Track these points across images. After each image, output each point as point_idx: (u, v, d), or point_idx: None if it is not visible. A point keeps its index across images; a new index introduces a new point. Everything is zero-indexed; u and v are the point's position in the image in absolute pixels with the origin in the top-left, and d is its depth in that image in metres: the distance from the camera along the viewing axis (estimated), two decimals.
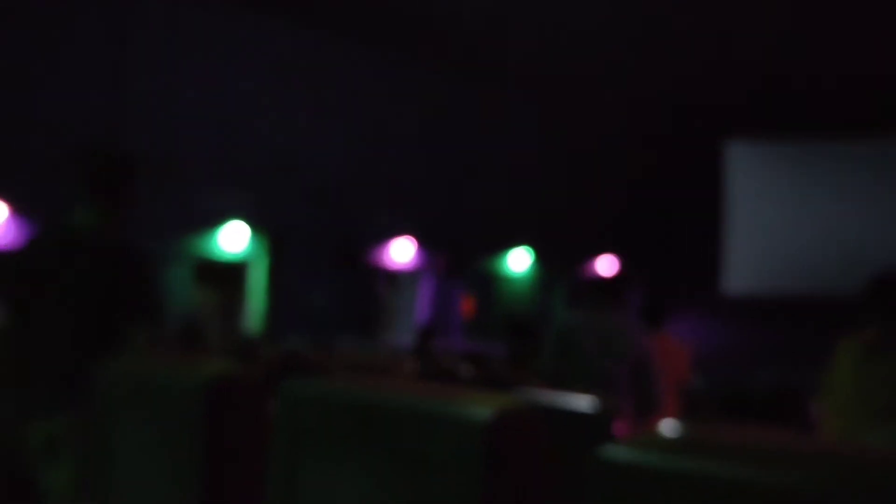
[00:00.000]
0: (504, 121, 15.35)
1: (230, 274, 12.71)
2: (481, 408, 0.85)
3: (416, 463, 0.88)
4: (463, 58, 14.41)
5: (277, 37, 12.43)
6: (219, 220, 11.74)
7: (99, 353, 2.30)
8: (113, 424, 1.48)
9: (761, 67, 14.25)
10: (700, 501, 0.64)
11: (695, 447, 0.69)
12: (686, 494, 0.65)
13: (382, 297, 14.02)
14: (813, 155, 17.23)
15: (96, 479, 1.49)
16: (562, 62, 14.56)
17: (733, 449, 0.67)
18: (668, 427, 1.88)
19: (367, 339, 11.96)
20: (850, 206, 16.65)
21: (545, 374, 4.02)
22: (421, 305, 14.71)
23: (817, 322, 14.12)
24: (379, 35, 13.21)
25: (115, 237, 2.50)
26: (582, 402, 1.98)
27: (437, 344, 12.35)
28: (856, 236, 16.43)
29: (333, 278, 12.95)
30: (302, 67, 12.76)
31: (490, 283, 15.75)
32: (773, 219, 17.46)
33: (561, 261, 16.90)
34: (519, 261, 16.30)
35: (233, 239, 11.88)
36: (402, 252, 14.12)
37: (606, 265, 18.21)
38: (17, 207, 10.06)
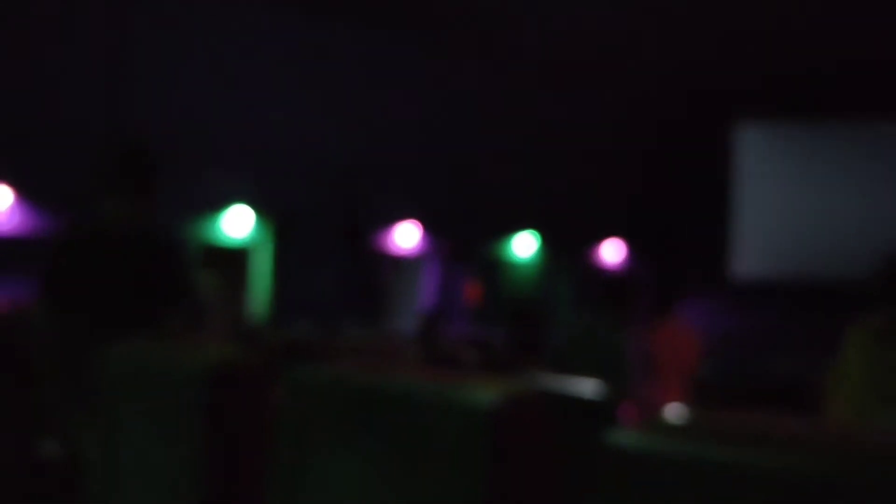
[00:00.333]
0: (510, 105, 15.29)
1: (234, 259, 12.74)
2: (486, 394, 0.85)
3: (420, 449, 0.89)
4: (468, 42, 14.34)
5: (282, 21, 12.38)
6: (223, 205, 11.76)
7: (138, 328, 2.38)
8: (117, 409, 1.49)
9: (770, 49, 14.15)
10: (706, 487, 0.64)
11: (701, 433, 0.68)
12: (692, 480, 0.65)
13: (387, 283, 14.03)
14: (824, 136, 17.11)
15: (102, 462, 1.50)
16: (568, 46, 14.47)
17: (740, 435, 0.67)
18: (674, 413, 1.88)
19: (372, 325, 11.99)
20: (862, 189, 16.56)
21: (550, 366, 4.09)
22: (426, 291, 14.73)
23: (828, 306, 14.10)
24: (383, 19, 13.15)
25: (147, 226, 2.58)
26: (586, 387, 1.98)
27: (441, 330, 12.38)
28: (867, 219, 16.35)
29: (338, 263, 12.97)
30: (306, 52, 12.72)
31: (495, 269, 15.74)
32: (782, 202, 17.38)
33: (568, 246, 16.87)
34: (525, 246, 16.28)
35: (237, 223, 11.90)
36: (406, 237, 14.12)
37: (614, 251, 18.19)
38: (22, 194, 10.09)
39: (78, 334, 2.44)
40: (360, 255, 13.18)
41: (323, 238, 12.75)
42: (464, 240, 14.50)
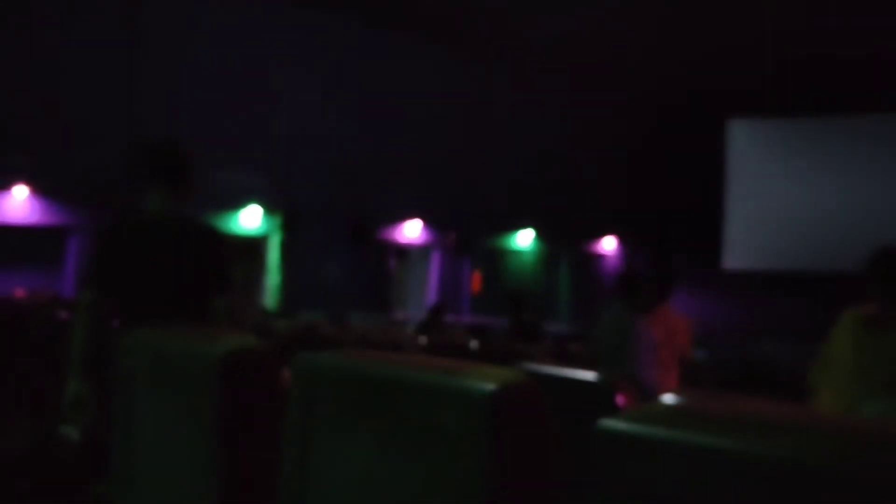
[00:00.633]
0: (512, 105, 15.27)
1: (247, 250, 12.77)
2: (486, 381, 0.85)
3: (423, 434, 0.89)
4: (472, 44, 14.30)
5: (292, 20, 12.36)
6: (236, 199, 11.77)
7: (187, 315, 2.41)
8: (133, 395, 1.49)
9: (759, 51, 14.10)
10: (701, 472, 0.64)
11: (696, 418, 0.68)
12: (687, 465, 0.65)
13: (394, 273, 14.05)
14: (812, 131, 17.07)
15: (119, 447, 1.50)
16: (567, 48, 14.43)
17: (734, 420, 0.67)
18: (669, 398, 1.88)
19: (379, 314, 12.01)
20: (848, 182, 16.53)
21: (587, 356, 4.32)
22: (431, 281, 14.74)
23: (816, 296, 14.09)
24: (392, 19, 13.11)
25: (188, 218, 2.62)
26: (585, 373, 1.98)
27: (446, 318, 12.39)
28: (854, 211, 16.33)
29: (347, 255, 12.98)
30: (317, 51, 12.70)
31: (497, 260, 15.75)
32: (772, 195, 17.36)
33: (565, 238, 16.87)
34: (525, 238, 16.28)
35: (249, 216, 11.91)
36: (412, 230, 14.13)
37: (609, 243, 18.18)
38: (40, 189, 10.10)
39: (126, 320, 2.44)
40: (368, 247, 13.19)
41: (333, 230, 12.76)
42: (466, 232, 14.51)
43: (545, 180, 15.67)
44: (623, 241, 18.28)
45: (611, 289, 4.14)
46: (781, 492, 0.58)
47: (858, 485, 0.56)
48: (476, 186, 14.59)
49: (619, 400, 1.92)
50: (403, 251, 14.64)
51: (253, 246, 12.68)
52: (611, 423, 0.70)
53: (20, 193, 10.20)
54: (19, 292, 8.70)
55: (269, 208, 12.05)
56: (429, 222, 14.23)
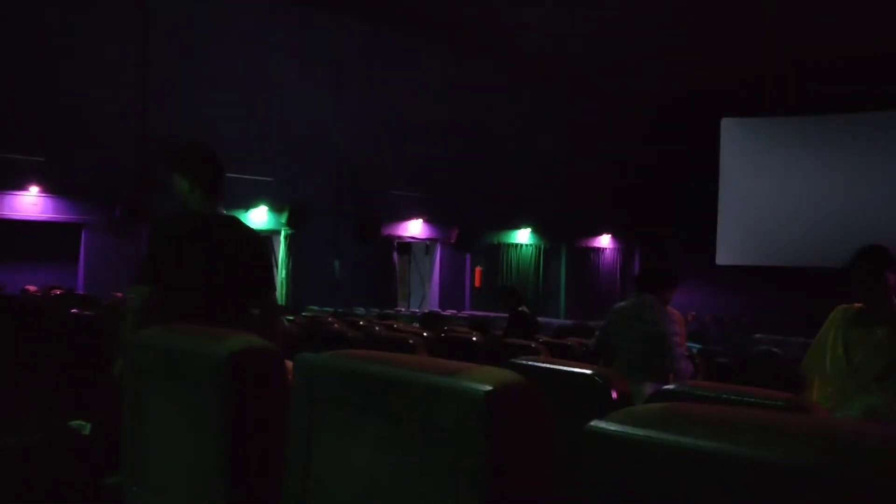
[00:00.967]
0: (512, 105, 15.24)
1: None
2: (483, 381, 0.85)
3: (422, 433, 0.89)
4: (474, 44, 14.27)
5: (299, 23, 12.34)
6: (245, 197, 11.77)
7: (240, 320, 2.44)
8: (142, 392, 1.49)
9: (751, 51, 14.07)
10: (690, 473, 0.64)
11: (685, 420, 0.68)
12: (677, 466, 0.65)
13: (397, 269, 14.06)
14: (803, 129, 17.05)
15: (129, 442, 1.50)
16: (566, 50, 14.40)
17: (723, 422, 0.67)
18: (665, 392, 1.87)
19: (384, 308, 12.02)
20: (839, 178, 16.51)
21: (593, 346, 4.37)
22: (434, 276, 14.74)
23: (807, 290, 14.05)
24: (397, 22, 13.09)
25: (234, 217, 2.68)
26: (580, 368, 1.98)
27: (448, 312, 12.39)
28: (844, 206, 16.31)
29: (352, 251, 12.99)
30: (324, 53, 12.69)
31: (497, 255, 15.75)
32: (764, 192, 17.34)
33: (563, 234, 16.86)
34: (524, 234, 16.27)
35: (257, 212, 11.91)
36: (416, 227, 14.13)
37: (606, 239, 18.14)
38: (51, 187, 10.11)
39: (179, 315, 2.45)
40: (373, 243, 13.19)
41: (338, 227, 12.77)
42: (468, 229, 14.50)
43: (544, 178, 15.67)
44: (618, 238, 18.28)
45: (640, 281, 4.22)
46: (769, 494, 0.58)
47: (846, 488, 0.56)
48: (477, 184, 14.59)
49: (614, 394, 1.91)
50: (407, 247, 14.64)
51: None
52: (601, 425, 0.70)
53: (34, 191, 10.22)
54: (32, 288, 8.71)
55: (276, 206, 12.05)
56: (431, 219, 14.24)
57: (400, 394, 0.92)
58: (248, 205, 11.81)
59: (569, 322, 11.96)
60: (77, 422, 2.68)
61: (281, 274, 12.16)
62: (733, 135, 17.91)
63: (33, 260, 10.48)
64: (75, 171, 10.19)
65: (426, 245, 14.76)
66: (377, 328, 5.52)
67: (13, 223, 10.05)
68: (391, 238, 13.75)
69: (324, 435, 1.03)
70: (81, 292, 9.63)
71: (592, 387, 1.89)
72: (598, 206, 17.17)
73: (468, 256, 15.07)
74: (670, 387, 1.93)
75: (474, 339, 4.77)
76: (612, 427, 0.68)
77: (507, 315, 6.94)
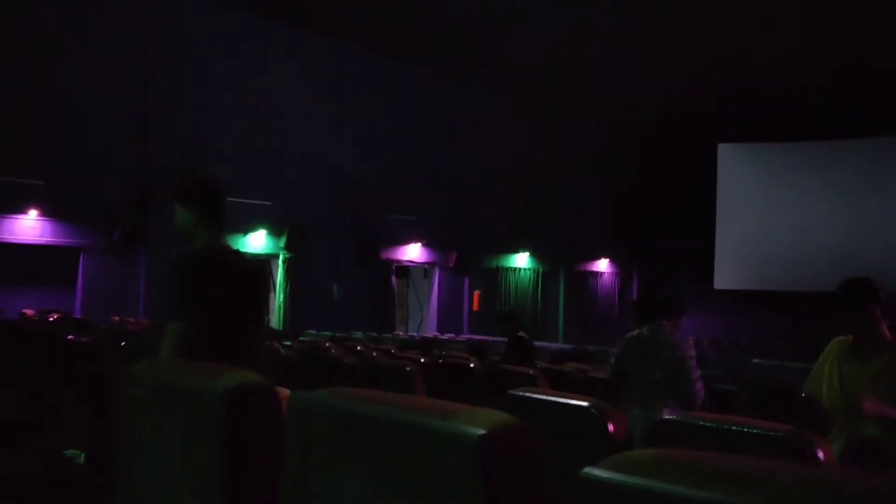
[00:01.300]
0: (511, 130, 15.33)
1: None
2: (477, 424, 0.85)
3: (416, 475, 0.89)
4: (476, 72, 14.40)
5: (299, 47, 12.44)
6: (245, 222, 11.79)
7: (254, 346, 2.47)
8: (139, 425, 1.49)
9: (747, 79, 14.20)
10: None
11: (677, 468, 0.68)
12: None
13: (396, 292, 14.04)
14: (798, 156, 17.15)
15: (125, 476, 1.50)
16: (565, 76, 14.53)
17: (714, 471, 0.67)
18: (670, 423, 1.86)
19: (382, 332, 12.00)
20: (835, 203, 16.58)
21: (610, 373, 4.44)
22: (432, 300, 14.73)
23: (804, 315, 14.03)
24: (397, 48, 13.21)
25: (238, 250, 2.72)
26: (578, 401, 1.98)
27: (446, 335, 12.36)
28: (839, 232, 16.36)
29: (351, 275, 12.99)
30: (322, 78, 12.78)
31: (496, 279, 15.75)
32: (760, 217, 17.39)
33: (562, 258, 16.88)
34: (522, 258, 16.29)
35: (256, 236, 11.92)
36: (414, 250, 14.14)
37: (605, 263, 18.16)
38: (50, 210, 10.12)
39: (207, 349, 2.45)
40: (371, 266, 13.19)
41: (337, 252, 12.77)
42: (466, 253, 14.52)
43: (542, 203, 15.71)
44: (616, 262, 18.30)
45: (651, 309, 4.36)
46: None
47: None
48: (476, 208, 14.63)
49: (611, 427, 1.91)
50: (405, 271, 14.64)
51: (261, 264, 12.68)
52: (595, 472, 0.70)
53: (33, 215, 10.23)
54: (29, 311, 8.68)
55: (275, 230, 12.07)
56: (430, 243, 14.25)
57: (395, 436, 0.92)
58: (247, 229, 11.82)
59: (567, 346, 11.93)
60: (72, 451, 2.67)
61: (279, 298, 12.14)
62: (730, 160, 18.00)
63: (31, 283, 10.46)
64: (75, 195, 10.21)
65: (424, 269, 14.76)
66: (374, 354, 5.51)
67: (12, 246, 10.06)
68: (390, 262, 13.75)
69: (318, 474, 1.03)
70: (79, 316, 9.61)
71: (590, 420, 1.89)
72: (596, 230, 17.21)
73: (466, 280, 15.07)
74: (674, 417, 1.94)
75: (472, 365, 4.76)
76: (606, 475, 0.69)
77: (505, 339, 6.93)
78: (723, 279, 17.76)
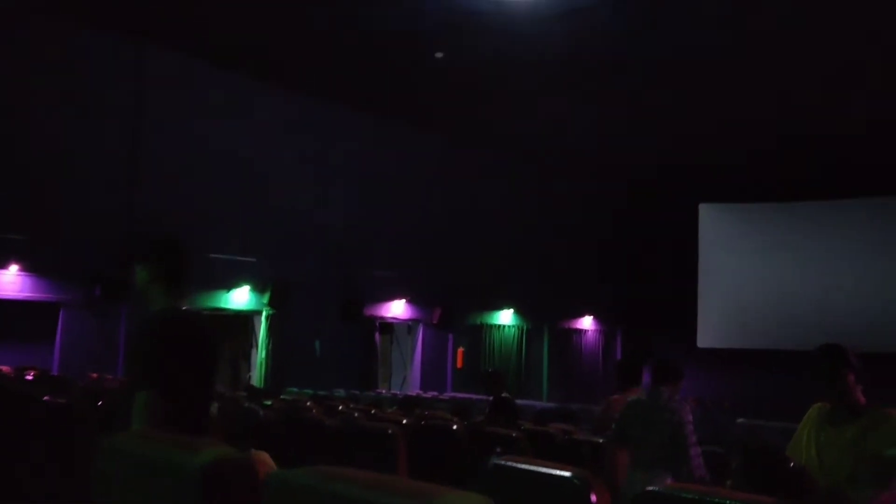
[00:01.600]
0: (494, 189, 15.51)
1: (237, 324, 12.64)
2: None
3: None
4: (458, 131, 14.63)
5: (286, 106, 12.58)
6: (229, 277, 11.73)
7: (206, 410, 2.41)
8: (113, 498, 1.46)
9: (729, 140, 14.52)
10: None
11: None
12: None
13: (379, 349, 13.92)
14: (777, 216, 17.42)
15: None
16: (548, 137, 14.80)
17: None
18: (654, 494, 1.84)
19: (365, 390, 11.85)
20: (814, 263, 16.79)
21: (611, 439, 4.48)
22: (415, 357, 14.60)
23: (787, 374, 14.05)
24: (380, 106, 13.41)
25: (196, 312, 2.67)
26: (560, 471, 1.96)
27: (429, 394, 12.23)
28: (819, 291, 16.53)
29: (335, 331, 12.87)
30: (308, 135, 12.90)
31: (480, 336, 15.68)
32: (741, 276, 17.55)
33: (545, 315, 16.87)
34: (507, 315, 16.26)
35: (240, 292, 11.84)
36: (399, 306, 14.08)
37: (588, 321, 18.17)
38: (31, 266, 10.04)
39: (173, 414, 2.39)
40: (355, 323, 13.10)
41: (320, 308, 12.69)
42: (450, 309, 14.48)
43: (526, 260, 15.79)
44: (600, 319, 18.31)
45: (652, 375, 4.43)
46: None
47: None
48: (461, 265, 14.66)
49: (594, 497, 1.89)
50: (389, 327, 14.55)
51: (242, 321, 12.57)
52: None
53: (13, 270, 10.13)
54: (5, 368, 8.51)
55: (259, 286, 12.01)
56: (414, 299, 14.22)
57: None
58: (231, 285, 11.75)
59: (551, 405, 11.83)
60: None
61: (261, 354, 12.00)
62: (711, 220, 18.24)
63: (9, 339, 10.29)
64: (57, 250, 10.14)
65: (408, 325, 14.69)
66: (356, 414, 5.44)
67: None
68: (374, 318, 13.68)
69: None
70: (56, 373, 9.44)
71: (573, 490, 1.87)
72: (580, 287, 17.27)
73: (450, 337, 14.99)
74: (656, 489, 1.92)
75: (454, 427, 4.70)
76: None
77: (489, 398, 6.88)
78: (706, 338, 17.79)
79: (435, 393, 12.52)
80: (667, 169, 16.38)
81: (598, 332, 18.44)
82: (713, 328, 17.74)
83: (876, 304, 15.75)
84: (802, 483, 2.64)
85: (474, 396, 11.27)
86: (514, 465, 2.03)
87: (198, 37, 10.65)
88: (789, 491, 2.51)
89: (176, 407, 2.36)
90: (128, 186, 10.76)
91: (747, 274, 17.46)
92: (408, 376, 14.43)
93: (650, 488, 2.03)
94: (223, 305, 11.74)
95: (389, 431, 4.06)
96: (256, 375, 12.01)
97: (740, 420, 10.09)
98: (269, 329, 11.99)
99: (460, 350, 15.09)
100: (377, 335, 13.76)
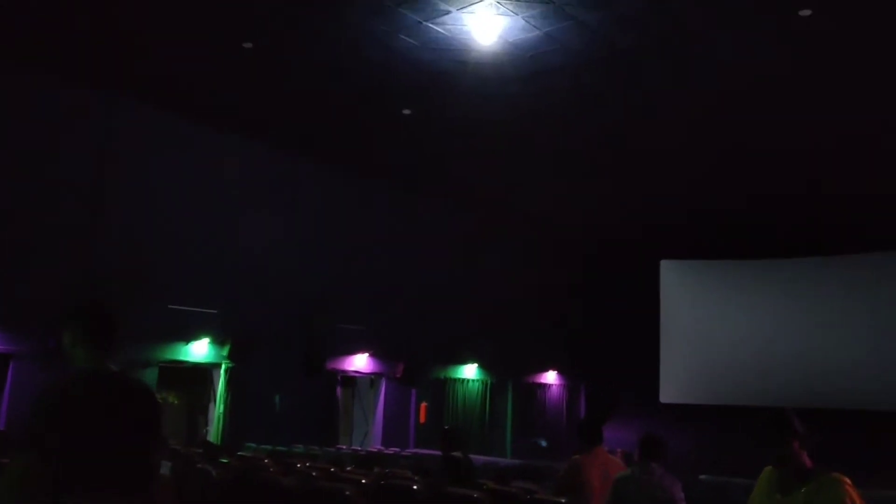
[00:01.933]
0: (459, 245, 15.60)
1: (196, 378, 12.34)
2: None
3: None
4: (423, 188, 14.76)
5: (249, 158, 12.56)
6: (189, 330, 11.49)
7: (133, 479, 2.31)
8: None
9: (689, 199, 14.86)
10: None
11: None
12: None
13: (341, 403, 13.68)
14: (739, 272, 17.76)
15: None
16: (511, 196, 15.01)
17: None
18: None
19: (325, 446, 11.59)
20: (776, 320, 17.07)
21: None
22: (378, 412, 14.37)
23: (750, 430, 14.10)
24: (343, 161, 13.49)
25: (122, 373, 2.60)
26: None
27: (391, 449, 12.01)
28: (779, 347, 16.77)
29: (296, 385, 12.63)
30: (274, 188, 12.87)
31: (443, 391, 15.52)
32: (703, 332, 17.76)
33: (509, 370, 16.81)
34: (470, 369, 16.16)
35: (199, 345, 11.60)
36: (361, 360, 13.91)
37: (552, 377, 18.16)
38: None
39: (69, 485, 2.29)
40: (316, 377, 12.88)
41: (282, 361, 12.47)
42: (413, 364, 14.35)
43: (490, 314, 15.79)
44: (564, 374, 18.30)
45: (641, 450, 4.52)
46: None
47: None
48: (424, 319, 14.59)
49: None
50: (351, 381, 14.35)
51: (201, 374, 12.28)
52: None
53: None
54: None
55: (219, 338, 11.79)
56: (377, 353, 14.07)
57: None
58: (191, 337, 11.52)
59: (514, 462, 11.70)
60: None
61: (219, 408, 11.70)
62: (672, 276, 18.52)
63: None
64: (11, 301, 9.86)
65: (371, 379, 14.50)
66: (314, 473, 5.31)
67: None
68: (336, 372, 13.49)
69: None
70: (2, 428, 9.09)
71: None
72: (544, 342, 17.30)
73: (413, 391, 14.82)
74: None
75: (415, 487, 4.62)
76: None
77: (441, 459, 6.76)
78: (668, 393, 17.87)
79: (397, 449, 12.30)
80: (629, 226, 16.67)
81: (562, 386, 18.41)
82: (675, 383, 17.84)
83: (837, 360, 16.03)
84: None
85: (437, 453, 11.08)
86: None
87: (163, 88, 10.66)
88: None
89: (72, 469, 2.28)
90: (87, 236, 10.57)
91: (709, 330, 17.68)
92: (369, 431, 14.18)
93: None
94: (182, 358, 11.48)
95: (347, 493, 3.98)
96: (214, 430, 11.69)
97: (703, 476, 10.07)
98: (229, 382, 11.73)
99: (423, 405, 14.91)
100: (339, 389, 13.55)
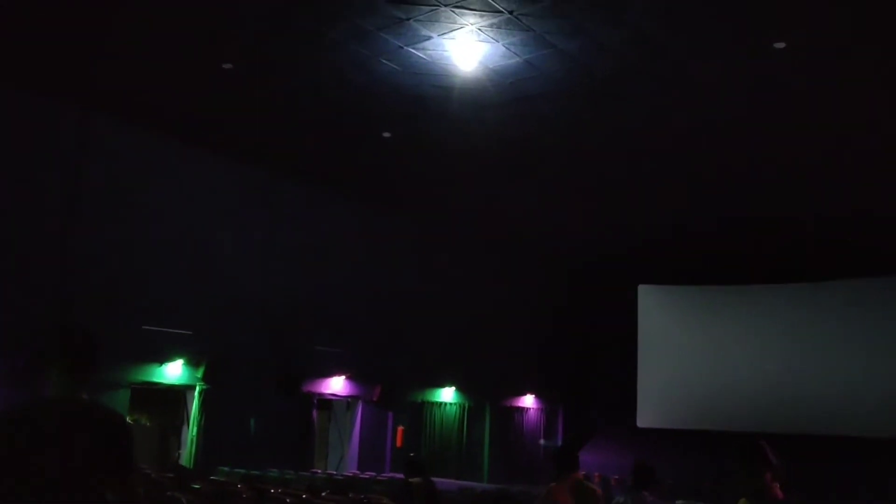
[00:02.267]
0: (438, 268, 15.62)
1: (169, 399, 12.17)
2: None
3: None
4: (404, 208, 14.79)
5: (227, 178, 12.50)
6: (162, 351, 11.35)
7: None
8: None
9: (666, 224, 15.02)
10: None
11: None
12: None
13: (317, 427, 13.55)
14: (717, 298, 17.92)
15: None
16: (492, 219, 15.08)
17: None
18: None
19: (300, 470, 11.46)
20: (754, 345, 17.21)
21: None
22: (354, 435, 14.25)
23: (727, 455, 14.16)
24: (321, 179, 13.49)
25: (88, 399, 2.56)
26: None
27: (367, 474, 11.91)
28: (757, 373, 16.90)
29: (271, 407, 12.51)
30: (251, 208, 12.83)
31: (420, 414, 15.45)
32: (680, 357, 17.86)
33: (487, 394, 16.78)
34: (448, 393, 16.12)
35: (173, 366, 11.46)
36: (338, 383, 13.82)
37: (529, 400, 18.15)
38: None
39: None
40: (292, 399, 12.76)
41: (256, 383, 12.34)
42: (391, 387, 14.27)
43: (468, 338, 15.78)
44: (542, 398, 18.30)
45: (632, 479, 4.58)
46: None
47: None
48: (402, 342, 14.55)
49: None
50: (328, 403, 14.23)
51: (174, 396, 12.12)
52: None
53: None
54: None
55: (194, 360, 11.66)
56: (354, 376, 13.99)
57: None
58: (164, 359, 11.38)
59: (491, 486, 11.66)
60: None
61: (192, 432, 11.54)
62: (650, 301, 18.63)
63: None
64: None
65: (347, 402, 14.39)
66: (288, 500, 5.26)
67: None
68: (312, 394, 13.38)
69: None
70: None
71: None
72: (522, 366, 17.31)
73: (390, 415, 14.73)
74: None
75: None
76: None
77: (402, 487, 6.74)
78: (645, 418, 17.91)
79: (372, 473, 12.20)
80: (608, 250, 16.79)
81: (540, 410, 18.40)
82: (653, 408, 17.90)
83: (815, 386, 16.16)
84: None
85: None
86: None
87: (139, 106, 10.62)
88: None
89: (21, 495, 2.27)
90: (59, 255, 10.45)
91: (687, 355, 17.78)
92: (345, 455, 14.05)
93: None
94: (155, 379, 11.33)
95: None
96: (186, 453, 11.52)
97: (679, 502, 10.09)
98: (202, 405, 11.59)
99: (400, 428, 14.81)
100: (315, 412, 13.43)
